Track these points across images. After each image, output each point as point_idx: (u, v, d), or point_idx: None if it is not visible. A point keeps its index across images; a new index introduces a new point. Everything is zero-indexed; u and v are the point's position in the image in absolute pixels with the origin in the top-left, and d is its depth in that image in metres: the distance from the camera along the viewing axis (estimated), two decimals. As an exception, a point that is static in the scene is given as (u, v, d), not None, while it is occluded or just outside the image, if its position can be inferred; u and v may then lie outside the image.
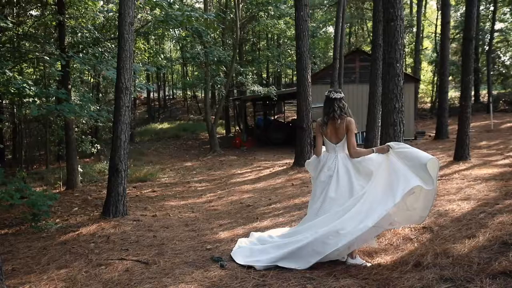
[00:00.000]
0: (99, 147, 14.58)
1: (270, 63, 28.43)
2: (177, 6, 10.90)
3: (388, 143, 4.01)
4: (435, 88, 28.41)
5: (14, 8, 12.20)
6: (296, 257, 3.82)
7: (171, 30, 17.49)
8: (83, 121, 13.65)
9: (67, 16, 10.96)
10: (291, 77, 38.31)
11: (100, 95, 18.83)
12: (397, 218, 3.94)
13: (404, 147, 3.92)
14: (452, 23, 24.13)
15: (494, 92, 26.60)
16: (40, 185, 12.19)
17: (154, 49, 17.60)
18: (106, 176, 9.20)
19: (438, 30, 24.77)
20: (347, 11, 23.50)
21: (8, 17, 10.38)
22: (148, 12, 14.41)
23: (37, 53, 11.13)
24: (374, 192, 3.77)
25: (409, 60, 30.10)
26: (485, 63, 25.72)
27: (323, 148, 4.19)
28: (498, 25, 27.60)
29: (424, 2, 28.45)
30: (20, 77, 8.52)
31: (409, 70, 27.68)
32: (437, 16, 28.02)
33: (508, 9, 27.52)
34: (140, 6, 11.58)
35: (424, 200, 3.85)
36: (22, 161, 16.58)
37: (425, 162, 3.64)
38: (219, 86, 20.01)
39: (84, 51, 10.79)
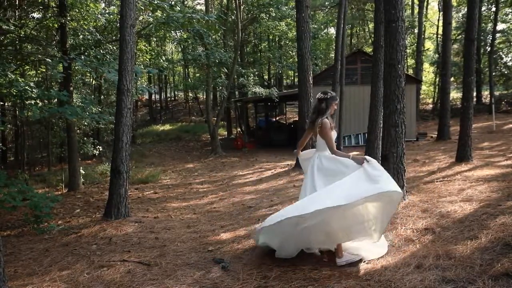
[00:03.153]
0: (100, 149, 14.59)
1: (272, 65, 28.45)
2: (178, 8, 10.93)
3: (366, 157, 4.01)
4: (436, 89, 28.37)
5: (16, 11, 12.23)
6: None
7: (172, 32, 17.52)
8: (85, 123, 13.67)
9: (68, 18, 10.99)
10: (292, 78, 38.30)
11: (102, 97, 18.87)
12: (353, 229, 3.96)
13: (377, 169, 3.89)
14: (453, 24, 24.12)
15: (496, 93, 26.52)
16: (42, 187, 12.20)
17: (155, 51, 17.64)
18: (108, 178, 9.21)
19: (440, 31, 24.70)
20: (348, 12, 23.51)
21: (10, 20, 10.41)
22: (150, 14, 14.45)
23: (39, 55, 11.16)
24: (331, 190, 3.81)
25: (410, 61, 30.06)
26: (487, 64, 25.63)
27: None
28: (500, 26, 27.55)
29: (425, 3, 28.40)
30: (22, 79, 8.54)
31: (410, 71, 27.62)
32: (439, 17, 27.99)
33: (510, 10, 27.43)
34: (141, 8, 11.62)
35: (383, 214, 3.91)
36: (24, 163, 16.61)
37: (387, 190, 3.67)
38: (220, 87, 20.03)
39: (86, 53, 10.81)
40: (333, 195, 3.68)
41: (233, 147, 19.71)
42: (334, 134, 4.16)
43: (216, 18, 11.77)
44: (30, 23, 12.47)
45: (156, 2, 10.05)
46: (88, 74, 15.92)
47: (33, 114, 8.41)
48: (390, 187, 3.68)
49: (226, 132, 26.47)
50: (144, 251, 4.83)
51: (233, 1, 19.79)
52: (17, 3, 11.81)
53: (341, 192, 3.67)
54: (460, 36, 25.78)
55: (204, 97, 25.05)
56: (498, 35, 26.55)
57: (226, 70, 19.97)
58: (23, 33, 11.03)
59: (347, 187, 3.71)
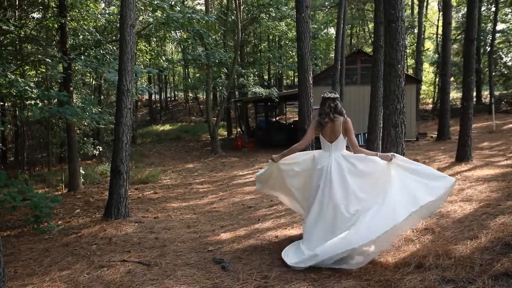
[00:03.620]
0: (100, 149, 14.60)
1: (272, 65, 28.45)
2: (178, 8, 10.93)
3: (394, 154, 4.08)
4: (436, 89, 28.38)
5: (16, 11, 12.24)
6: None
7: (172, 32, 17.50)
8: (85, 123, 13.68)
9: (68, 18, 10.98)
10: (292, 78, 38.30)
11: (102, 97, 18.87)
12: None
13: (410, 162, 4.06)
14: (453, 24, 24.13)
15: (496, 93, 26.52)
16: (42, 187, 12.20)
17: (155, 51, 17.64)
18: (108, 178, 9.22)
19: (440, 31, 24.72)
20: (348, 12, 23.52)
21: (10, 20, 10.41)
22: (150, 14, 14.45)
23: (39, 56, 11.16)
24: (388, 202, 3.79)
25: (410, 61, 30.06)
26: (487, 64, 25.64)
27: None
28: (499, 26, 27.55)
29: (425, 3, 28.41)
30: (22, 80, 8.53)
31: (410, 71, 27.62)
32: (439, 17, 27.98)
33: (510, 10, 27.44)
34: (141, 8, 11.61)
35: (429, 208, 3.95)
36: (24, 163, 16.61)
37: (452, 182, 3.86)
38: (220, 87, 20.03)
39: (86, 54, 10.81)
40: (404, 199, 3.75)
41: (233, 147, 19.71)
42: None
43: (216, 18, 11.80)
44: (30, 23, 12.47)
45: (156, 2, 10.05)
46: (88, 74, 15.93)
47: (33, 115, 8.42)
48: (450, 179, 3.88)
49: (226, 132, 26.47)
50: (144, 251, 4.83)
51: (233, 1, 19.80)
52: (17, 3, 11.81)
53: (411, 196, 3.75)
54: (460, 36, 25.78)
55: (204, 97, 25.06)
56: (497, 35, 26.56)
57: (226, 70, 19.97)
58: (23, 33, 11.03)
59: (409, 190, 3.80)
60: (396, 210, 3.66)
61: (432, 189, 3.75)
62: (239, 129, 24.78)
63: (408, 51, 28.68)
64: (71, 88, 11.31)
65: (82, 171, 11.86)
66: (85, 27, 11.94)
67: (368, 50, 25.92)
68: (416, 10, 29.14)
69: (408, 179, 3.87)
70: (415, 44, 27.05)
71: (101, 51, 11.04)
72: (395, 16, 6.02)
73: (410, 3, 30.18)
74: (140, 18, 15.51)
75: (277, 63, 24.46)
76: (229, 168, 13.59)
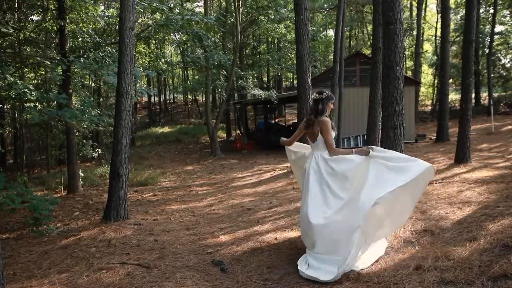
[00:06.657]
0: (100, 151, 14.60)
1: (271, 67, 28.45)
2: (178, 11, 10.96)
3: (371, 146, 4.11)
4: (435, 91, 28.39)
5: (15, 14, 12.25)
6: None
7: (171, 34, 17.54)
8: (84, 126, 13.68)
9: (68, 21, 11.00)
10: (291, 80, 38.36)
11: (101, 99, 18.88)
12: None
13: (387, 152, 4.11)
14: (452, 26, 24.15)
15: (495, 95, 26.55)
16: (41, 190, 12.19)
17: (154, 53, 17.66)
18: (107, 180, 9.22)
19: (438, 33, 24.79)
20: (347, 14, 23.55)
21: (9, 23, 10.43)
22: (149, 16, 14.48)
23: (38, 58, 11.17)
24: (355, 199, 3.79)
25: (409, 63, 30.09)
26: (486, 66, 25.68)
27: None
28: (498, 28, 27.62)
29: (424, 5, 28.46)
30: (21, 82, 8.53)
31: (409, 73, 27.67)
32: (437, 19, 28.05)
33: (508, 12, 27.55)
34: (140, 10, 11.63)
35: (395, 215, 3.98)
36: (24, 166, 16.59)
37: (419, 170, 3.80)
38: (219, 90, 20.05)
39: (85, 56, 10.82)
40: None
41: (233, 149, 19.70)
42: (333, 134, 4.17)
43: (215, 21, 11.80)
44: (29, 25, 12.48)
45: (155, 5, 10.07)
46: (88, 77, 15.94)
47: (32, 118, 8.42)
48: (425, 164, 3.86)
49: (225, 134, 26.46)
50: (143, 253, 4.83)
51: (232, 4, 19.83)
52: (16, 5, 11.82)
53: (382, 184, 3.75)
54: (459, 38, 25.81)
55: (203, 99, 25.10)
56: (496, 37, 26.59)
57: (225, 72, 19.99)
58: (22, 35, 11.04)
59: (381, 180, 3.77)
60: (364, 203, 3.64)
61: (405, 172, 3.74)
62: (238, 131, 24.78)
63: (407, 53, 28.75)
64: (70, 91, 11.31)
65: (81, 174, 11.85)
66: (84, 30, 11.95)
67: (367, 52, 25.95)
68: (414, 12, 29.16)
69: (382, 169, 3.84)
70: (414, 46, 27.07)
71: (100, 54, 11.05)
72: (394, 18, 6.04)
73: (408, 5, 30.23)
74: (140, 21, 15.53)
75: (276, 65, 24.47)
76: (228, 170, 13.58)
